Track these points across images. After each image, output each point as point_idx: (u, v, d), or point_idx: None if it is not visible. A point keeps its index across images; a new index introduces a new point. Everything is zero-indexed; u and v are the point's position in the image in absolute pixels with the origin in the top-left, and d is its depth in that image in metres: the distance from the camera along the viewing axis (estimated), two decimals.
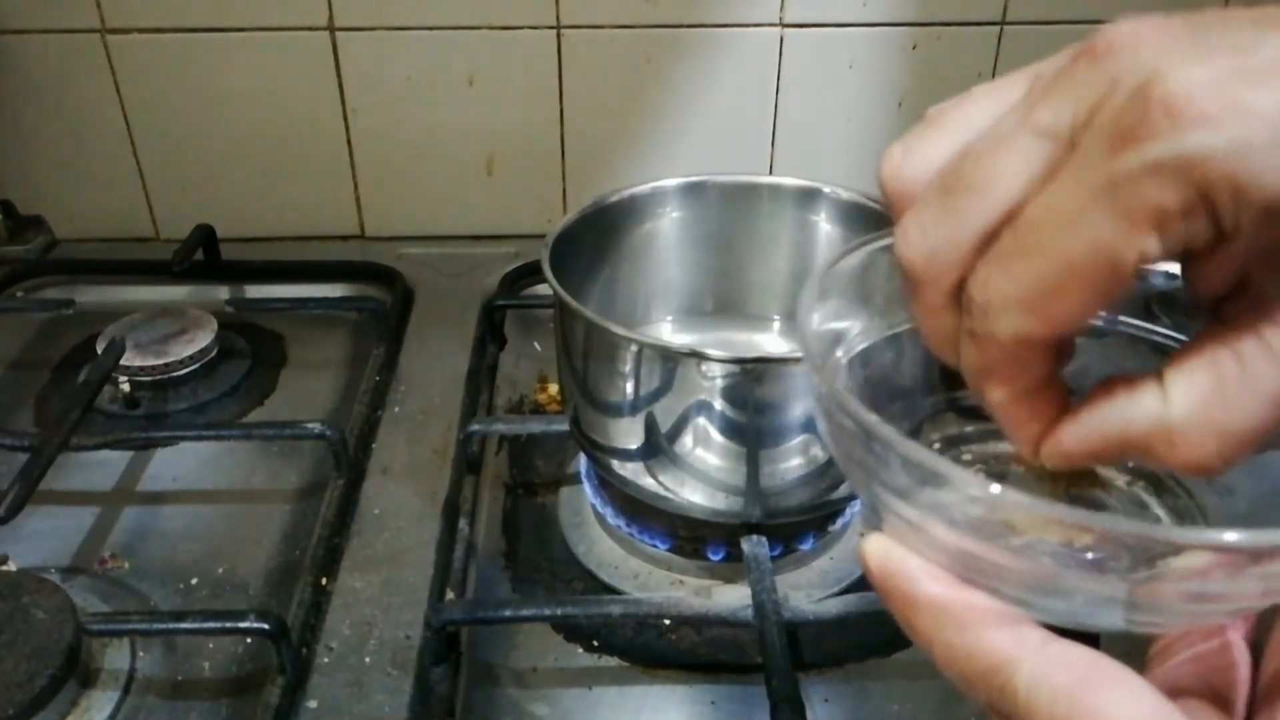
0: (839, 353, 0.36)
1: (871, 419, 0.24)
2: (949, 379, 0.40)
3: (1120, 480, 0.36)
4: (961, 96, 0.25)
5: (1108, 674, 0.22)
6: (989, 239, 0.22)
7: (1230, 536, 0.21)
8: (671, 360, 0.49)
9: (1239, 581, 0.23)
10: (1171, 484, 0.35)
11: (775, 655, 0.46)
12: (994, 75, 0.82)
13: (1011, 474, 0.36)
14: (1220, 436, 0.21)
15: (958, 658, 0.23)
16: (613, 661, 0.51)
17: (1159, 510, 0.35)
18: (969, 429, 0.39)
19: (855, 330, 0.37)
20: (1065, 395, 0.25)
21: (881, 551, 0.25)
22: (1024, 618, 0.24)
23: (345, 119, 0.83)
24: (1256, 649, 0.26)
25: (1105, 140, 0.20)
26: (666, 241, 0.64)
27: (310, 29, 0.79)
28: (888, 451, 0.24)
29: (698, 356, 0.48)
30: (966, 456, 0.37)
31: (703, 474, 0.51)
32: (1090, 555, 0.24)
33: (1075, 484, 0.35)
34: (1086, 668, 0.22)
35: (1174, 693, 0.25)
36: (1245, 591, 0.23)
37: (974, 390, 0.25)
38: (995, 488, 0.23)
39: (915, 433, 0.39)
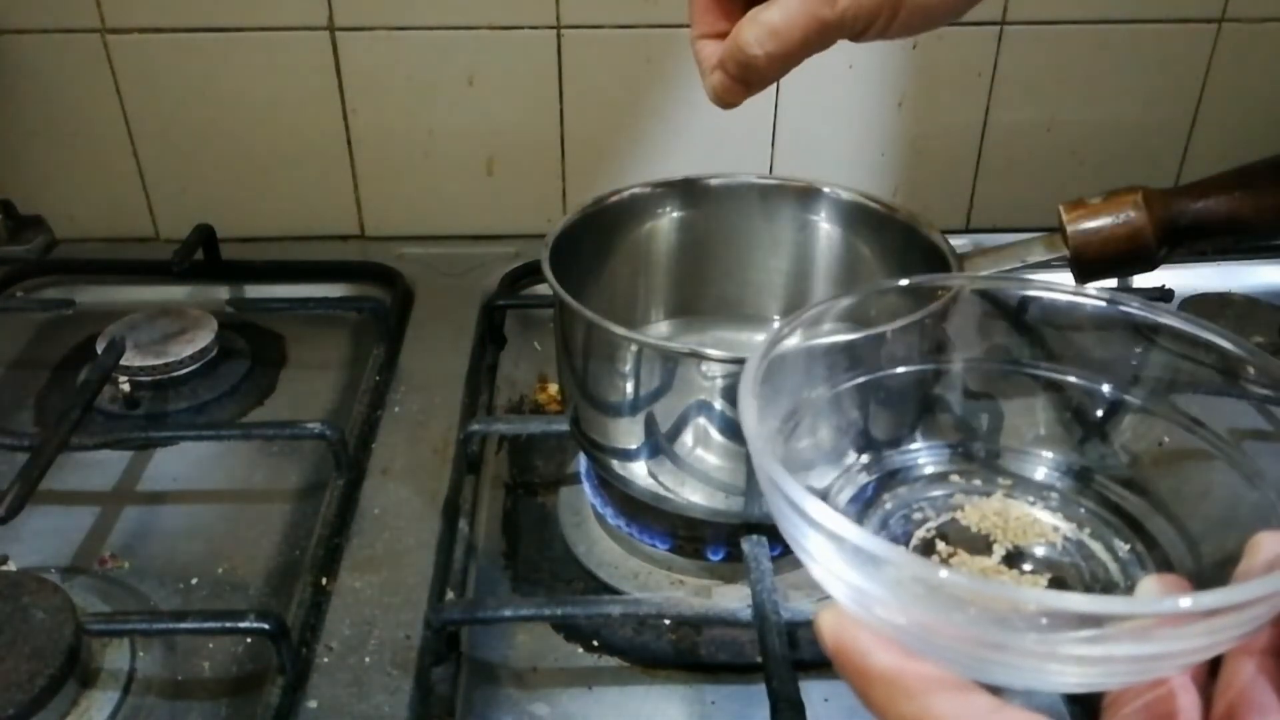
0: (818, 391, 0.37)
1: (817, 507, 0.25)
2: (910, 428, 0.41)
3: (1066, 528, 0.36)
4: None
5: None
6: None
7: (1179, 603, 0.22)
8: (671, 360, 0.49)
9: (1185, 639, 0.23)
10: (1119, 525, 0.36)
11: (775, 655, 0.46)
12: (994, 75, 0.83)
13: (959, 532, 0.37)
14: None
15: None
16: (613, 661, 0.51)
17: (1104, 556, 0.35)
18: (930, 475, 0.40)
19: (831, 375, 0.38)
20: None
21: (834, 624, 0.25)
22: (973, 685, 0.24)
23: (345, 119, 0.83)
24: (1205, 691, 0.26)
25: None
26: (666, 241, 0.64)
27: (310, 29, 0.79)
28: (831, 537, 0.25)
29: (698, 356, 0.48)
30: (918, 515, 0.38)
31: (703, 474, 0.51)
32: (1039, 620, 0.25)
33: (1020, 537, 0.36)
34: None
35: None
36: (1191, 648, 0.24)
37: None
38: (943, 572, 0.24)
39: (877, 486, 0.39)
